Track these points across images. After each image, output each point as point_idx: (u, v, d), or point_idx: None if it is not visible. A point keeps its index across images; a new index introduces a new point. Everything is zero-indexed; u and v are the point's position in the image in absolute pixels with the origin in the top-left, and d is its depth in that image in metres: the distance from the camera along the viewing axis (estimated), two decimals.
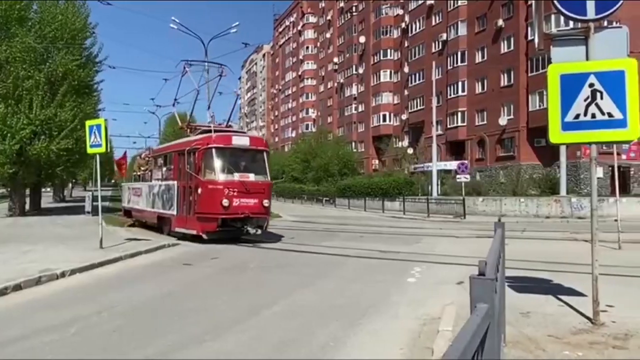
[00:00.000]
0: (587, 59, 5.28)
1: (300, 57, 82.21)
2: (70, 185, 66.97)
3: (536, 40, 6.76)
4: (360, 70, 63.81)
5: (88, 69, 25.83)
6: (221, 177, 13.85)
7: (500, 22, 40.29)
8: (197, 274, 9.54)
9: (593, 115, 5.17)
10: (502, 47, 40.69)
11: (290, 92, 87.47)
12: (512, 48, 39.46)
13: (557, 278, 7.74)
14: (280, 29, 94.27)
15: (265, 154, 15.11)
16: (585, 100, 5.19)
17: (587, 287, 5.39)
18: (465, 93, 44.97)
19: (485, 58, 42.64)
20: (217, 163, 14.01)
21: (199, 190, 13.77)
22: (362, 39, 62.35)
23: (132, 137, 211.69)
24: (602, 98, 5.13)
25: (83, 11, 25.66)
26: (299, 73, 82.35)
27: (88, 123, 12.83)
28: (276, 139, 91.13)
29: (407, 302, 6.86)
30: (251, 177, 14.17)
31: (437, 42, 48.62)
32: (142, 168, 20.16)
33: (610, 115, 5.13)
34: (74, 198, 57.21)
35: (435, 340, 4.79)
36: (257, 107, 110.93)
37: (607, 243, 11.92)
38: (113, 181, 71.05)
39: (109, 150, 15.94)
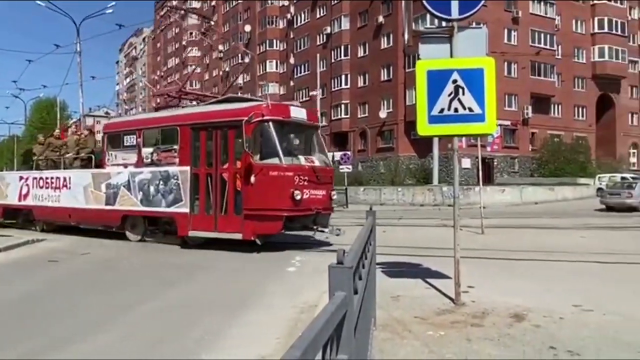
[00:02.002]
0: (451, 56, 5.61)
1: (184, 42, 79.51)
2: None
3: (406, 37, 7.11)
4: (246, 59, 63.15)
5: None
6: (286, 160, 10.40)
7: (381, 19, 41.96)
8: (64, 272, 8.89)
9: (456, 110, 5.52)
10: (382, 43, 42.42)
11: (173, 78, 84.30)
12: (391, 44, 41.27)
13: (426, 262, 8.23)
14: (162, 12, 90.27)
15: (320, 131, 12.27)
16: (449, 95, 5.52)
17: (452, 270, 5.77)
18: (348, 86, 46.30)
19: (367, 53, 44.21)
20: (279, 142, 10.40)
21: (252, 179, 10.12)
22: (247, 28, 61.72)
23: None
24: (463, 94, 5.49)
25: None
26: (183, 59, 79.62)
27: None
28: None
29: (286, 291, 6.91)
30: (316, 161, 11.19)
31: (321, 35, 49.45)
32: (57, 150, 15.18)
33: (470, 109, 5.51)
34: None
35: None
36: (137, 93, 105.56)
37: (472, 228, 12.94)
38: None
39: None
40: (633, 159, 48.61)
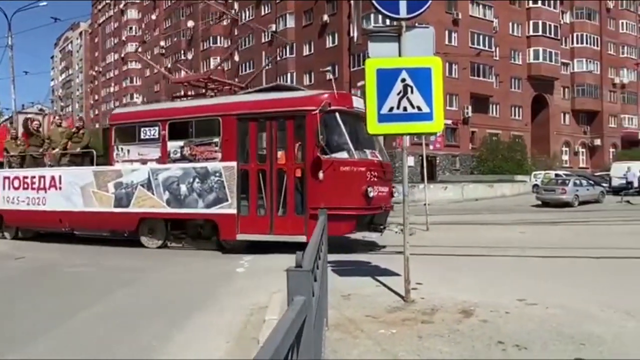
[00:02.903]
0: (399, 55, 5.64)
1: (123, 38, 77.02)
2: None
3: (355, 35, 7.15)
4: (189, 56, 61.88)
5: None
6: (357, 154, 9.64)
7: (326, 18, 42.12)
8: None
9: (405, 109, 5.55)
10: (327, 41, 42.61)
11: (112, 74, 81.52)
12: (336, 43, 41.52)
13: (375, 260, 8.29)
14: (100, 7, 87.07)
15: None
16: (398, 94, 5.55)
17: (401, 267, 5.81)
18: (294, 84, 46.17)
19: (312, 51, 44.27)
20: (347, 134, 9.59)
21: (320, 175, 9.23)
22: (190, 24, 60.45)
23: None
24: (412, 92, 5.54)
25: None
26: (122, 55, 77.09)
27: None
28: (97, 125, 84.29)
29: (235, 292, 6.77)
30: (378, 155, 10.30)
31: (266, 33, 49.12)
32: (37, 145, 13.08)
33: (419, 108, 5.56)
34: None
35: (261, 330, 4.77)
36: (73, 89, 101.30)
37: (418, 225, 13.17)
38: None
39: None
40: (565, 157, 51.16)
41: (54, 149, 12.64)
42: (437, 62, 5.63)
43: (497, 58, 44.49)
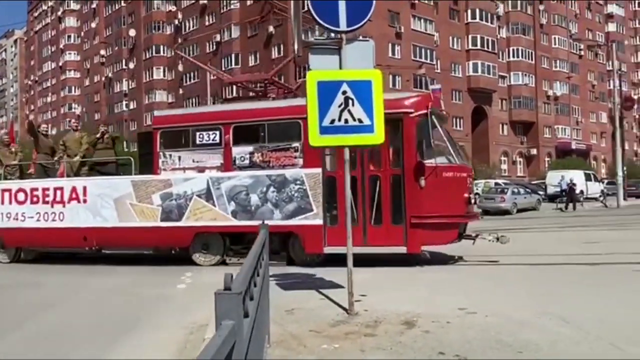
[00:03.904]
0: (340, 67, 5.65)
1: (61, 46, 74.33)
2: None
3: (295, 47, 7.08)
4: (131, 65, 60.40)
5: None
6: (455, 159, 9.23)
7: (271, 29, 42.15)
8: None
9: (346, 121, 5.56)
10: (273, 52, 42.62)
11: (49, 84, 78.38)
12: (282, 54, 41.55)
13: (319, 272, 8.22)
14: (36, 14, 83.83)
15: None
16: (339, 106, 5.55)
17: (345, 279, 5.77)
18: (240, 94, 45.86)
19: (258, 62, 44.15)
20: (445, 138, 9.28)
21: (422, 181, 8.64)
22: (132, 32, 59.09)
23: None
24: (353, 105, 5.55)
25: None
26: (60, 64, 74.35)
27: None
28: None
29: (175, 310, 6.56)
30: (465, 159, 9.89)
31: (211, 43, 48.65)
32: (47, 153, 11.64)
33: (360, 121, 5.58)
34: None
35: (200, 349, 4.60)
36: (7, 99, 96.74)
37: None
38: None
39: None
40: (504, 166, 53.19)
41: (69, 155, 11.19)
42: (378, 75, 5.68)
43: (439, 71, 45.82)
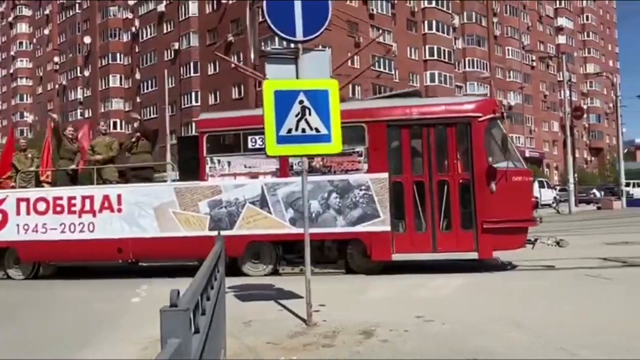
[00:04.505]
0: (297, 77, 5.65)
1: (12, 53, 71.87)
2: None
3: (252, 56, 7.07)
4: (86, 73, 58.96)
5: None
6: (522, 164, 9.43)
7: (230, 37, 41.91)
8: None
9: (303, 130, 5.55)
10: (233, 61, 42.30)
11: None
12: (241, 63, 41.35)
13: (279, 282, 8.16)
14: None
15: None
16: (296, 116, 5.54)
17: (304, 289, 5.73)
18: (199, 103, 45.42)
19: (218, 71, 43.83)
20: (509, 142, 9.14)
21: (493, 186, 8.60)
22: (87, 40, 57.72)
23: None
24: (310, 114, 5.55)
25: None
26: (11, 71, 71.87)
27: None
28: None
29: (129, 325, 6.35)
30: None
31: (169, 51, 48.03)
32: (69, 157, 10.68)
33: (317, 130, 5.59)
34: None
35: None
36: None
37: None
38: None
39: None
40: None
41: (98, 161, 10.46)
42: (334, 85, 5.71)
43: (397, 80, 46.55)
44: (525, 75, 62.19)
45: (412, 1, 50.52)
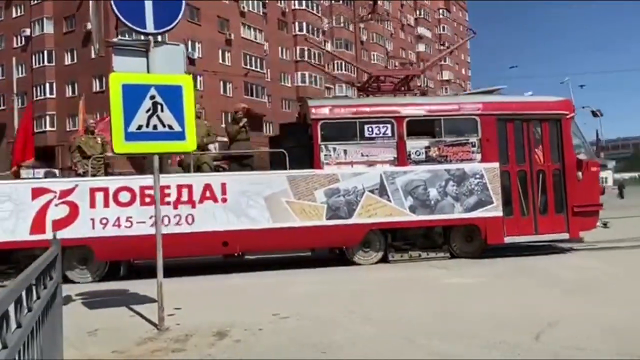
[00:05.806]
0: (148, 71, 5.39)
1: None
2: None
3: (96, 46, 6.62)
4: None
5: None
6: (595, 156, 11.69)
7: (89, 26, 39.09)
8: None
9: (155, 127, 5.32)
10: (92, 51, 39.48)
11: None
12: (103, 54, 38.80)
13: (135, 287, 7.74)
14: None
15: None
16: (147, 111, 5.29)
17: (166, 293, 5.46)
18: (54, 96, 41.83)
19: (76, 61, 40.73)
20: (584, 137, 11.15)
21: (580, 175, 10.02)
22: None
23: None
24: (162, 110, 5.33)
25: None
26: None
27: None
28: None
29: None
30: None
31: (19, 37, 43.63)
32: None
33: (170, 127, 5.39)
34: None
35: None
36: None
37: None
38: None
39: None
40: None
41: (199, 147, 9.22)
42: (188, 80, 5.55)
43: (269, 79, 46.76)
44: None
45: (282, 1, 51.01)
